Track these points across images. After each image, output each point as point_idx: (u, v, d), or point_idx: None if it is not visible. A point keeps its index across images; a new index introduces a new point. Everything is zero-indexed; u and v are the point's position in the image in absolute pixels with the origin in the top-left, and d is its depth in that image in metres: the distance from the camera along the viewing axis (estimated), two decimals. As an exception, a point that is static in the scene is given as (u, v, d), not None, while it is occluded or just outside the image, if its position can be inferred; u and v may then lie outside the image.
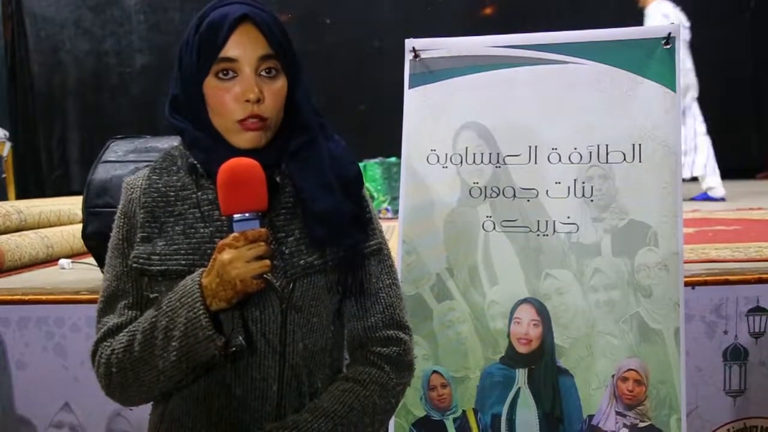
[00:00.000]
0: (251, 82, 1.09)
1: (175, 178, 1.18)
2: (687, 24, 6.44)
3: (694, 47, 5.90)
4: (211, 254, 1.07)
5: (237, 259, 1.04)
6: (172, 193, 1.16)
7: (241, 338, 1.10)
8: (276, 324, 1.13)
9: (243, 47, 1.09)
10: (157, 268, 1.13)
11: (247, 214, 1.06)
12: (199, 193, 1.15)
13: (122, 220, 1.19)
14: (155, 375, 1.09)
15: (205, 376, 1.12)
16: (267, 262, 1.05)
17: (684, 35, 6.25)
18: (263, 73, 1.11)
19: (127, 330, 1.12)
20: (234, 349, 1.09)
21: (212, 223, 1.14)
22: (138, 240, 1.15)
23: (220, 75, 1.10)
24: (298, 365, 1.14)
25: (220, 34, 1.09)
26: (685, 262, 1.72)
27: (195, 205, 1.15)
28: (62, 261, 3.02)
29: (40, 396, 2.30)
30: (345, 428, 1.12)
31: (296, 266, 1.14)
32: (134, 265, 1.14)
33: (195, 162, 1.16)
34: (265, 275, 1.06)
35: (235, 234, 1.05)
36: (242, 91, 1.09)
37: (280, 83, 1.13)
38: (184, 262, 1.12)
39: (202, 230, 1.14)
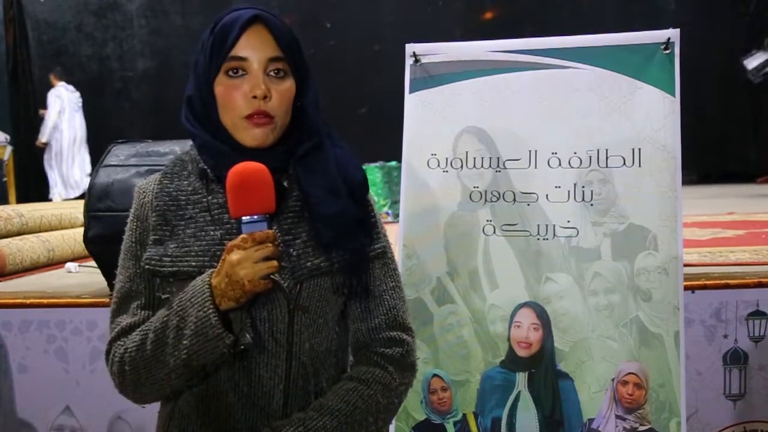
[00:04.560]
0: (259, 80, 1.13)
1: (186, 182, 1.21)
2: (77, 100, 8.06)
3: (695, 51, 5.92)
4: (221, 256, 1.10)
5: (245, 259, 1.06)
6: (183, 197, 1.20)
7: (248, 336, 1.12)
8: (283, 324, 1.15)
9: (253, 47, 1.14)
10: (169, 269, 1.16)
11: (255, 216, 1.08)
12: (210, 197, 1.18)
13: (135, 223, 1.22)
14: (166, 373, 1.11)
15: (215, 375, 1.15)
16: (274, 262, 1.08)
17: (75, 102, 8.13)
18: (272, 73, 1.15)
19: (139, 329, 1.15)
20: (243, 347, 1.12)
21: (222, 226, 1.16)
22: (150, 242, 1.18)
23: (230, 73, 1.14)
24: (304, 364, 1.17)
25: (232, 34, 1.13)
26: (685, 265, 1.73)
27: (205, 208, 1.18)
28: (69, 264, 3.03)
29: (42, 399, 2.30)
30: (349, 426, 1.15)
31: (303, 268, 1.16)
32: (146, 266, 1.17)
33: (205, 167, 1.19)
34: (272, 276, 1.08)
35: (243, 235, 1.08)
36: (250, 88, 1.13)
37: (288, 84, 1.16)
38: (194, 263, 1.15)
39: (212, 233, 1.16)
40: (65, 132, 8.35)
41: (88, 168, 8.34)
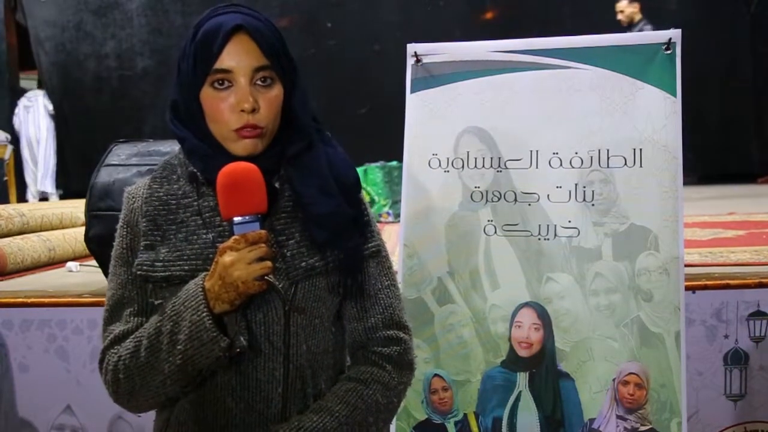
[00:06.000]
0: (246, 93, 1.11)
1: (175, 186, 1.19)
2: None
3: (696, 52, 5.92)
4: (214, 259, 1.08)
5: (238, 261, 1.05)
6: (173, 201, 1.18)
7: (242, 339, 1.11)
8: (279, 326, 1.14)
9: (237, 58, 1.11)
10: (161, 274, 1.14)
11: (247, 217, 1.07)
12: (200, 201, 1.17)
13: (125, 230, 1.20)
14: (162, 379, 1.10)
15: (211, 380, 1.14)
16: (268, 263, 1.06)
17: None
18: (258, 82, 1.12)
19: (133, 336, 1.13)
20: (238, 350, 1.10)
21: (214, 228, 1.15)
22: (141, 248, 1.16)
23: (216, 85, 1.11)
24: (302, 366, 1.16)
25: (215, 45, 1.10)
26: (686, 265, 1.73)
27: (196, 212, 1.16)
28: (69, 264, 3.02)
29: (42, 398, 2.30)
30: (349, 427, 1.14)
31: (298, 268, 1.15)
32: (138, 272, 1.15)
33: (195, 170, 1.18)
34: (266, 277, 1.07)
35: (235, 236, 1.06)
36: (237, 101, 1.11)
37: (276, 91, 1.14)
38: (187, 267, 1.13)
39: (204, 236, 1.15)
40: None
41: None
